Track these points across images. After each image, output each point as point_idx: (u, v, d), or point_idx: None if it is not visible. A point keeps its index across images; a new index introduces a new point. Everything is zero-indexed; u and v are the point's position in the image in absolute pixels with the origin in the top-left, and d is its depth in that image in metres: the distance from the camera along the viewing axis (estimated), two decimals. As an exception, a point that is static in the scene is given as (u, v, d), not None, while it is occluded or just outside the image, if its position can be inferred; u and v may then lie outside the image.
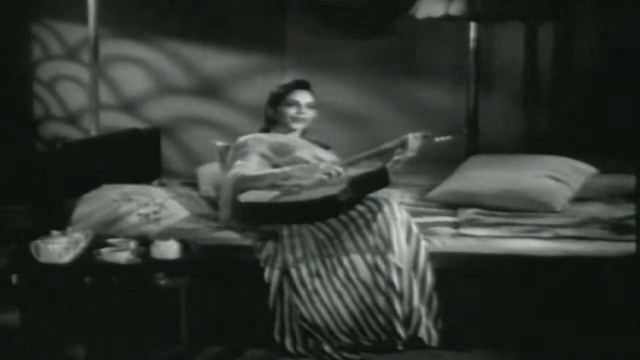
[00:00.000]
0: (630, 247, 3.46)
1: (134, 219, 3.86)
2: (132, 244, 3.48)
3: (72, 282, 3.48)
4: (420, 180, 4.66)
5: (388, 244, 3.50)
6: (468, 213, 4.04)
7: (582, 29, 5.47)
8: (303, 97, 3.97)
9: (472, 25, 5.22)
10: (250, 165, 3.79)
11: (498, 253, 3.65)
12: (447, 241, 3.70)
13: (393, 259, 3.49)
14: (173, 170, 5.53)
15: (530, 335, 3.59)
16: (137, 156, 4.80)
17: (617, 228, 3.79)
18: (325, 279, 3.52)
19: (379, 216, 3.54)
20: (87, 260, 3.43)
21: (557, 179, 4.24)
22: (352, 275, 3.51)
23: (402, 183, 4.44)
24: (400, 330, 3.48)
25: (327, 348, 3.49)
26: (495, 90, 5.53)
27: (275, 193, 3.56)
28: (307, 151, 3.90)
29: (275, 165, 3.82)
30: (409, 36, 5.47)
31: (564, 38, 5.50)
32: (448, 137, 3.81)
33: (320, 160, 3.85)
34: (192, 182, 4.61)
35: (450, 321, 3.54)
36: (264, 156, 3.85)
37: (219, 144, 4.22)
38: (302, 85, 4.00)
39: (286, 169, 3.72)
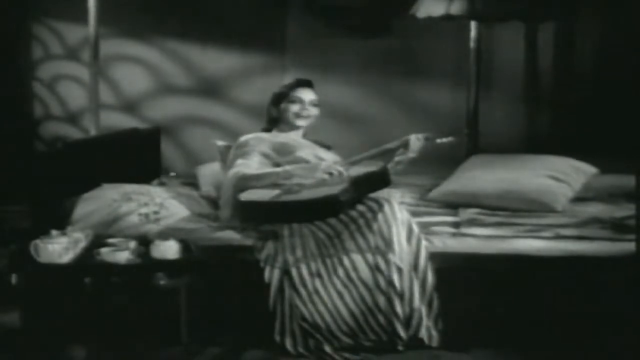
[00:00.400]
0: (631, 246, 3.47)
1: (134, 218, 3.86)
2: (132, 244, 3.47)
3: (71, 282, 3.47)
4: (421, 180, 4.65)
5: (389, 244, 3.50)
6: (469, 213, 4.04)
7: (582, 29, 5.47)
8: (306, 95, 3.97)
9: (473, 25, 5.22)
10: (252, 165, 3.78)
11: (499, 253, 3.64)
12: (447, 241, 3.70)
13: (394, 259, 3.49)
14: (173, 169, 5.51)
15: (531, 335, 3.58)
16: (137, 156, 4.79)
17: (618, 228, 3.79)
18: (325, 279, 3.51)
19: (380, 216, 3.53)
20: (86, 260, 3.42)
21: (557, 179, 4.25)
22: (353, 275, 3.50)
23: (403, 183, 4.44)
24: (401, 331, 3.47)
25: (327, 348, 3.48)
26: (495, 90, 5.53)
27: (276, 192, 3.55)
28: (309, 151, 3.89)
29: (277, 165, 3.82)
30: (409, 36, 5.47)
31: (565, 38, 5.50)
32: (450, 139, 3.81)
33: (322, 160, 3.84)
34: (192, 182, 4.61)
35: (450, 321, 3.54)
36: (265, 155, 3.85)
37: (220, 143, 4.23)
38: (306, 83, 4.01)
39: (287, 167, 3.71)
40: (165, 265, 3.44)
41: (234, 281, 3.64)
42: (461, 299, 3.58)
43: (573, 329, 3.58)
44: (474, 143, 5.26)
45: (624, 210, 4.02)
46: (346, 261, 3.51)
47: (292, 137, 3.96)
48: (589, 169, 4.47)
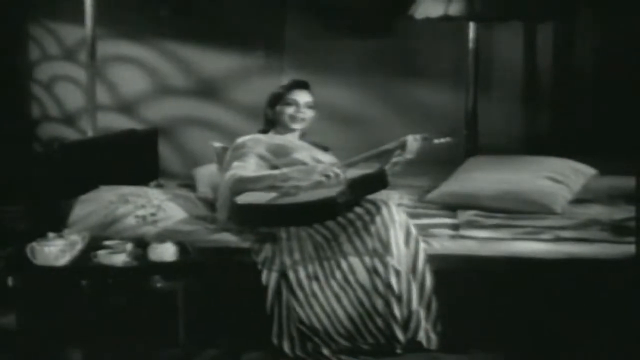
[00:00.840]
0: (631, 249, 3.46)
1: (131, 220, 3.85)
2: (129, 246, 3.47)
3: (68, 285, 3.45)
4: (419, 181, 4.64)
5: (386, 247, 3.48)
6: (467, 215, 4.03)
7: (582, 29, 5.45)
8: (302, 97, 3.96)
9: (472, 26, 5.20)
10: (248, 167, 3.77)
11: (498, 255, 3.63)
12: (446, 243, 3.69)
13: (391, 261, 3.47)
14: (171, 171, 5.51)
15: (531, 338, 3.57)
16: (135, 157, 4.78)
17: (618, 230, 3.78)
18: (323, 282, 3.50)
19: (378, 219, 3.52)
20: (83, 263, 3.41)
21: (557, 181, 4.24)
22: (351, 278, 3.49)
23: (401, 184, 4.42)
24: (399, 334, 3.46)
25: (325, 351, 3.47)
26: (494, 90, 5.51)
27: (273, 195, 3.55)
28: (306, 153, 3.88)
29: (274, 167, 3.81)
30: (408, 37, 5.45)
31: (564, 38, 5.49)
32: (447, 139, 3.80)
33: (319, 162, 3.84)
34: (189, 184, 4.60)
35: (449, 324, 3.53)
36: (262, 157, 3.84)
37: (217, 145, 4.22)
38: (301, 85, 3.99)
39: (284, 170, 3.70)
40: (162, 267, 3.43)
41: (231, 284, 3.63)
42: (460, 302, 3.56)
43: (572, 331, 3.57)
44: (473, 144, 5.24)
45: (624, 212, 4.00)
46: (344, 264, 3.50)
47: (289, 139, 3.95)
48: (589, 171, 4.46)
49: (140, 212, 3.89)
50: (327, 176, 3.59)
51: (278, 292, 3.53)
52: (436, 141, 3.79)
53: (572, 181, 4.29)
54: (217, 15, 5.60)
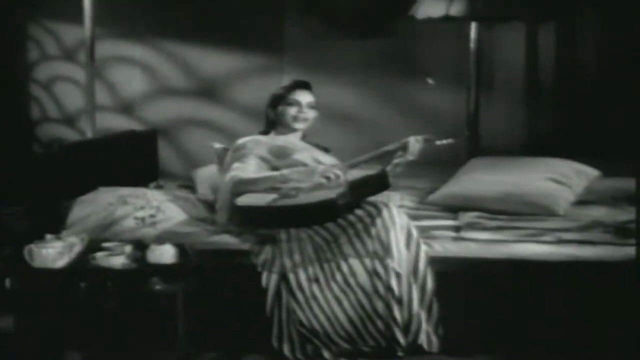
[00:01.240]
0: (634, 251, 3.43)
1: (129, 222, 3.84)
2: (128, 248, 3.47)
3: (66, 287, 3.45)
4: (420, 183, 4.63)
5: (387, 249, 3.47)
6: (469, 216, 4.01)
7: (583, 29, 5.44)
8: (304, 97, 3.94)
9: (473, 26, 5.19)
10: (248, 168, 3.76)
11: (499, 257, 3.62)
12: (447, 245, 3.67)
13: (392, 264, 3.46)
14: (170, 172, 5.49)
15: (532, 341, 3.56)
16: (134, 158, 4.77)
17: (621, 232, 3.76)
18: (323, 284, 3.48)
19: (378, 221, 3.50)
20: (81, 265, 3.41)
21: (559, 182, 4.22)
22: (351, 280, 3.47)
23: (402, 186, 4.41)
24: (400, 337, 3.44)
25: (326, 354, 3.47)
26: (496, 91, 5.50)
27: (273, 196, 3.53)
28: (307, 154, 3.87)
29: (274, 168, 3.80)
30: (409, 37, 5.44)
31: (566, 38, 5.47)
32: (449, 140, 3.80)
33: (320, 163, 3.82)
34: (189, 185, 4.58)
35: (450, 327, 3.51)
36: (262, 159, 3.82)
37: (217, 146, 4.20)
38: (303, 85, 3.98)
39: (284, 171, 3.68)
40: (162, 269, 3.42)
41: (230, 286, 3.61)
42: (461, 304, 3.55)
43: (575, 334, 3.55)
44: (474, 145, 5.23)
45: (627, 214, 3.98)
46: (344, 266, 3.48)
47: (290, 140, 3.93)
48: (591, 172, 4.44)
49: (139, 214, 3.87)
50: (328, 178, 3.58)
51: (278, 294, 3.51)
52: (438, 143, 3.79)
53: (574, 183, 4.27)
54: (217, 15, 5.59)
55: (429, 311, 3.52)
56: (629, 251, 3.53)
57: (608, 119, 5.32)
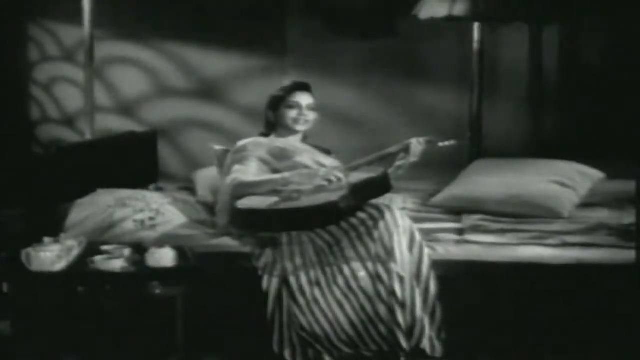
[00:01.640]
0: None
1: (129, 225, 3.83)
2: (127, 252, 3.47)
3: (64, 291, 3.44)
4: (423, 185, 4.63)
5: (390, 253, 3.44)
6: (472, 219, 4.01)
7: (587, 30, 5.43)
8: (304, 99, 3.92)
9: (476, 27, 5.18)
10: (249, 171, 3.74)
11: (503, 260, 3.61)
12: (451, 248, 3.66)
13: (395, 267, 3.43)
14: (170, 174, 5.48)
15: (537, 345, 3.54)
16: (134, 160, 4.76)
17: (625, 234, 3.75)
18: (325, 288, 3.46)
19: (381, 224, 3.48)
20: (80, 269, 3.40)
21: (563, 184, 4.23)
22: (353, 284, 3.44)
23: (404, 188, 4.40)
24: (403, 341, 3.41)
25: (327, 358, 3.44)
26: (499, 92, 5.51)
27: (275, 199, 3.51)
28: (308, 156, 3.85)
29: (275, 170, 3.77)
30: (411, 38, 5.44)
31: (570, 39, 5.47)
32: (452, 142, 3.78)
33: (321, 165, 3.81)
34: (189, 187, 4.57)
35: (454, 331, 3.48)
36: (263, 161, 3.80)
37: (218, 147, 4.18)
38: (303, 87, 3.96)
39: (285, 174, 3.66)
40: (161, 273, 3.41)
41: (231, 289, 3.60)
42: (465, 308, 3.53)
43: (579, 338, 3.54)
44: (478, 147, 5.24)
45: (631, 216, 3.95)
46: (346, 270, 3.46)
47: (291, 142, 3.91)
48: (596, 174, 4.45)
49: (139, 216, 3.86)
50: (329, 180, 3.55)
51: (279, 298, 3.49)
52: (441, 144, 3.77)
53: (578, 185, 4.28)
54: (218, 15, 5.59)
55: (432, 315, 3.49)
56: (633, 254, 3.50)
57: (612, 121, 5.31)
